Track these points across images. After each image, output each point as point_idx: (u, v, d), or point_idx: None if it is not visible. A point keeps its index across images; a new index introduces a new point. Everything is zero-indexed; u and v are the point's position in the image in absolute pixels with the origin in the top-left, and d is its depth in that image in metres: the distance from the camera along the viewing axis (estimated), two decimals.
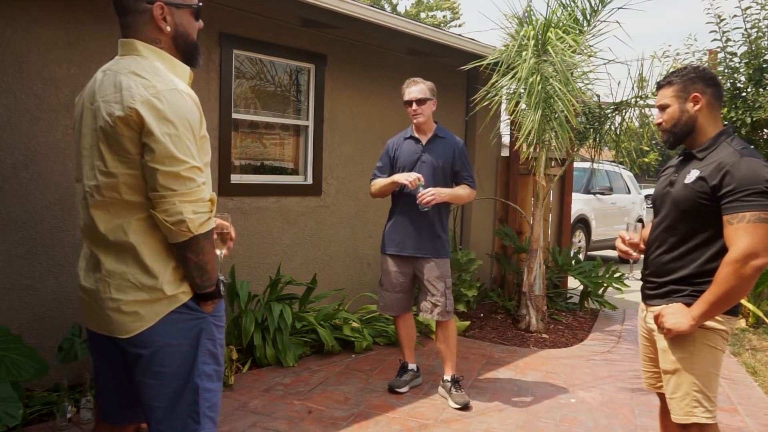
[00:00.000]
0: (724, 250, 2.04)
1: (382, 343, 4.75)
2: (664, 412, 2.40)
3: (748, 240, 1.96)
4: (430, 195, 3.45)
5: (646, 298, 2.30)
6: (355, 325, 4.65)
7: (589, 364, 4.55)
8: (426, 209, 3.50)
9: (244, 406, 3.47)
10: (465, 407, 3.55)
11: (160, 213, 1.61)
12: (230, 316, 4.19)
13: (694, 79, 2.16)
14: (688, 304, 2.10)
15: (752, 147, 2.11)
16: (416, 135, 3.73)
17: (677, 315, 2.10)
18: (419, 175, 3.50)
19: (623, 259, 10.77)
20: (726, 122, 2.25)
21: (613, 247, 10.71)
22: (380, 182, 3.71)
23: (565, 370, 4.39)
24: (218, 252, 1.99)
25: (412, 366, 3.89)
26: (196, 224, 1.63)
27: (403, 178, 3.51)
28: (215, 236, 1.96)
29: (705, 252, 2.11)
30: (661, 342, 2.19)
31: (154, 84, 1.63)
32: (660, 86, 2.26)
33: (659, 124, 2.26)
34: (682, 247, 2.15)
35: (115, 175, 1.66)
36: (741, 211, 1.98)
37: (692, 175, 2.12)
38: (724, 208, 2.02)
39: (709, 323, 2.09)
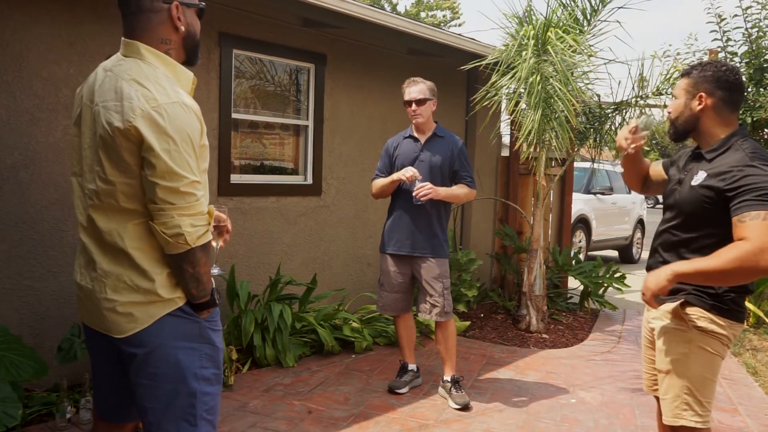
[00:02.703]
0: (715, 250, 1.99)
1: (382, 343, 4.74)
2: (661, 414, 2.40)
3: (765, 237, 1.84)
4: (427, 189, 3.45)
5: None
6: (355, 325, 4.65)
7: (589, 365, 4.54)
8: (419, 202, 3.50)
9: (243, 406, 3.47)
10: (465, 407, 3.55)
11: (159, 225, 1.62)
12: (230, 316, 4.19)
13: (708, 77, 2.08)
14: (692, 304, 2.07)
15: (760, 149, 2.05)
16: (415, 134, 3.73)
17: (656, 274, 2.00)
18: (415, 171, 3.50)
19: (624, 259, 10.77)
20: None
21: (614, 247, 10.76)
22: (380, 182, 3.71)
23: (566, 370, 4.38)
24: (214, 244, 1.99)
25: (412, 366, 3.88)
26: (194, 237, 1.63)
27: (400, 174, 3.54)
28: (212, 228, 1.96)
29: (699, 250, 2.06)
30: (659, 342, 2.18)
31: (156, 96, 1.61)
32: (681, 74, 2.21)
33: (669, 113, 2.22)
34: (685, 249, 2.11)
35: (113, 183, 1.65)
36: (755, 209, 1.88)
37: (699, 176, 2.06)
38: (733, 209, 1.93)
39: (709, 327, 2.05)
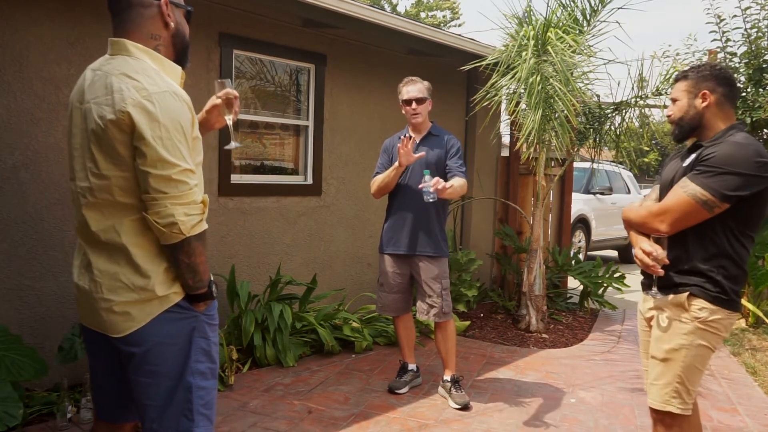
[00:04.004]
0: (718, 243, 2.10)
1: (382, 343, 4.75)
2: None
3: (673, 210, 2.10)
4: (442, 183, 3.23)
5: (647, 287, 2.30)
6: (355, 325, 4.65)
7: (589, 364, 4.55)
8: (432, 199, 3.26)
9: (244, 406, 3.47)
10: (465, 407, 3.55)
11: (152, 215, 1.62)
12: (230, 316, 4.19)
13: (707, 76, 2.21)
14: (696, 296, 2.13)
15: (755, 140, 2.12)
16: (412, 133, 3.72)
17: None
18: (406, 137, 3.40)
19: (623, 259, 10.77)
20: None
21: (613, 247, 10.77)
22: (381, 176, 3.64)
23: (565, 370, 4.39)
24: (228, 119, 1.98)
25: (411, 366, 3.88)
26: (188, 226, 1.63)
27: (402, 157, 3.41)
28: (220, 101, 1.96)
29: (701, 244, 2.13)
30: (656, 331, 2.25)
31: (146, 86, 1.62)
32: (676, 79, 2.32)
33: (669, 116, 2.31)
34: (681, 239, 2.17)
35: (107, 178, 1.66)
36: (691, 179, 2.09)
37: (690, 158, 2.18)
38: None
39: (710, 317, 2.11)
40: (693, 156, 2.17)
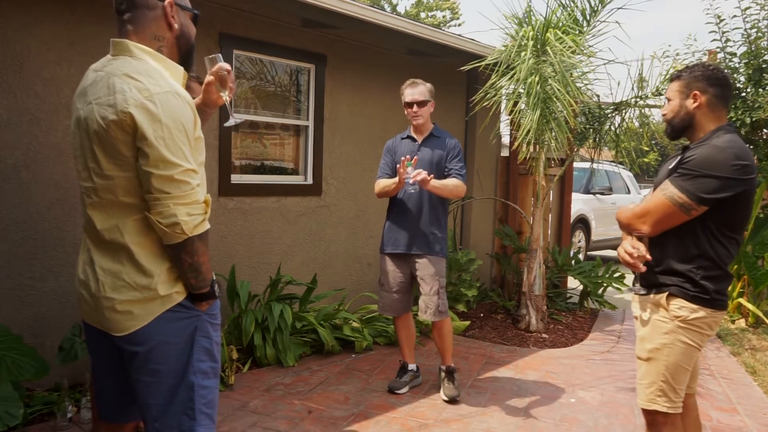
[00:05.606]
0: (698, 244, 2.13)
1: (382, 342, 4.75)
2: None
3: (653, 212, 2.15)
4: (423, 174, 3.35)
5: (633, 284, 2.37)
6: (355, 325, 4.66)
7: (588, 364, 4.55)
8: (413, 190, 3.50)
9: (244, 405, 3.48)
10: (453, 401, 3.61)
11: (155, 215, 1.62)
12: (230, 316, 4.20)
13: (698, 77, 2.23)
14: (675, 296, 2.17)
15: (738, 143, 2.13)
16: (413, 135, 3.75)
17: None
18: (406, 158, 3.46)
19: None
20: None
21: (613, 247, 10.77)
22: (384, 182, 3.70)
23: (565, 369, 4.39)
24: (224, 96, 1.96)
25: (411, 366, 3.89)
26: (191, 226, 1.64)
27: (400, 174, 3.47)
28: (213, 79, 1.94)
29: (682, 245, 2.17)
30: (641, 331, 2.29)
31: (148, 87, 1.63)
32: (670, 79, 2.35)
33: (663, 116, 2.35)
34: (662, 239, 2.21)
35: (111, 178, 1.66)
36: (671, 182, 2.12)
37: (674, 162, 2.21)
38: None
39: (691, 316, 2.14)
40: (679, 158, 2.21)
